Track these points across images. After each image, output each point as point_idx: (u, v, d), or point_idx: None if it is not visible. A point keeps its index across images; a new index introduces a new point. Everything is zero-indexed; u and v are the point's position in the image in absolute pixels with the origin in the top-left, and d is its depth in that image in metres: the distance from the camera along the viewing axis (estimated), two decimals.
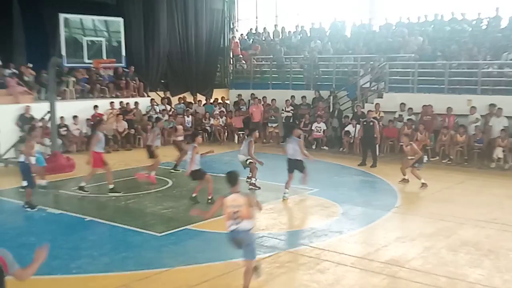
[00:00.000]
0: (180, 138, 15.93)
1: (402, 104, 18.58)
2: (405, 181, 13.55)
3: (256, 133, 14.09)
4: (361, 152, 16.90)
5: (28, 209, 10.84)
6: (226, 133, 21.87)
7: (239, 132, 21.69)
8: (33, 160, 10.96)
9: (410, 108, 18.28)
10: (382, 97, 19.60)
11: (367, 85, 20.70)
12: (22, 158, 10.99)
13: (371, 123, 16.13)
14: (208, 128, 21.79)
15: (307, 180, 12.05)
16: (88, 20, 14.62)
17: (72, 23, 14.20)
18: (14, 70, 19.40)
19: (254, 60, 25.52)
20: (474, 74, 18.14)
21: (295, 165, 11.86)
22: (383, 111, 18.73)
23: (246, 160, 12.95)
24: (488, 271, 7.84)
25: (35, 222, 10.43)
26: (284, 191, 11.91)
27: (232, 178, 6.76)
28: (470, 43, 19.94)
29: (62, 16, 13.85)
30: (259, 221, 10.37)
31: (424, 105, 18.01)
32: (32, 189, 11.08)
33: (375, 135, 16.08)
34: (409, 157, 13.44)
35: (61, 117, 17.32)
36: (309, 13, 26.56)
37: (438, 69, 19.00)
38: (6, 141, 15.95)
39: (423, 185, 13.09)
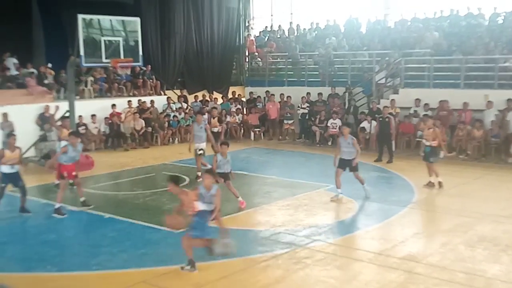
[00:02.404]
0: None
1: (417, 99, 18.50)
2: (430, 184, 12.92)
3: (200, 117, 14.08)
4: (377, 148, 16.88)
5: None
6: (242, 131, 21.95)
7: (255, 129, 21.77)
8: (3, 168, 10.45)
9: (426, 104, 18.19)
10: (397, 93, 19.52)
11: (383, 81, 20.62)
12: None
13: (387, 119, 16.10)
14: (224, 125, 21.88)
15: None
16: (106, 20, 14.63)
17: (90, 23, 14.25)
18: (33, 70, 19.75)
19: (270, 58, 25.56)
20: (491, 69, 17.98)
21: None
22: (399, 107, 18.66)
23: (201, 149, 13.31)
24: (507, 266, 7.81)
25: (56, 220, 10.53)
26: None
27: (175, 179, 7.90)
28: (486, 37, 19.77)
29: (80, 17, 13.95)
30: (276, 217, 10.45)
31: (440, 101, 17.91)
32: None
33: (390, 131, 16.07)
34: (426, 142, 13.01)
35: (80, 116, 17.48)
36: (324, 10, 26.50)
37: (455, 64, 18.88)
38: (27, 140, 16.17)
39: (429, 183, 12.83)
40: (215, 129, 16.03)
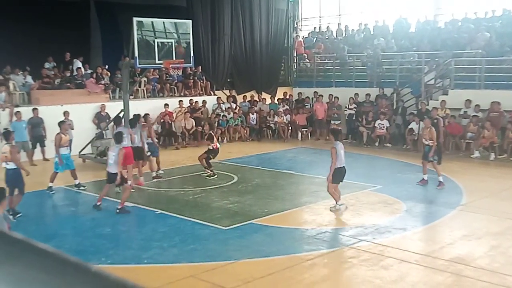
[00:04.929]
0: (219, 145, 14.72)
1: (468, 100, 18.18)
2: (423, 182, 12.87)
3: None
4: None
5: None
6: (289, 131, 22.10)
7: (303, 130, 21.87)
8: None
9: (477, 105, 17.85)
10: (447, 94, 19.22)
11: (432, 82, 20.35)
12: (11, 165, 10.39)
13: (435, 120, 15.85)
14: (272, 125, 22.11)
15: None
16: (159, 22, 14.97)
17: (145, 26, 14.65)
18: (91, 71, 20.59)
19: (318, 59, 25.60)
20: None
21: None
22: (448, 108, 18.36)
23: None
24: None
25: (110, 214, 10.92)
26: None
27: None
28: None
29: (135, 20, 14.36)
30: (323, 216, 10.54)
31: (492, 102, 17.54)
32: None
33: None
34: (424, 141, 12.94)
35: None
36: (373, 11, 26.25)
37: (507, 65, 18.44)
38: (84, 138, 16.85)
39: (440, 184, 12.65)
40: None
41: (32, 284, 0.93)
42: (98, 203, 11.02)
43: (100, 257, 8.31)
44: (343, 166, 10.71)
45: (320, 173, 14.36)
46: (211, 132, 15.14)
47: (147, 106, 19.64)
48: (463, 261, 7.98)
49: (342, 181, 10.85)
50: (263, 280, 7.43)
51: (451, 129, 17.79)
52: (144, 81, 20.96)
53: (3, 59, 18.26)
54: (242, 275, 7.53)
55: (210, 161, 14.16)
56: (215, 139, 14.54)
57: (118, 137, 11.22)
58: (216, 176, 14.04)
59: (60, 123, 12.98)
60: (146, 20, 14.79)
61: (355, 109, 21.01)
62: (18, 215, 10.27)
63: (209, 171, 14.07)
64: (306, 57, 26.52)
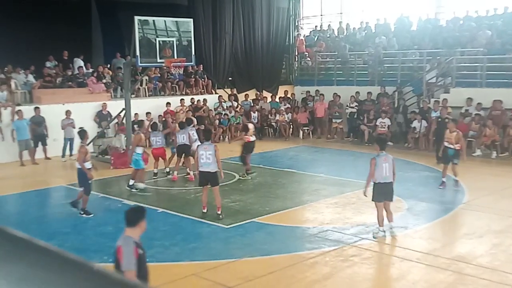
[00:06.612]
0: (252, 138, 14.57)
1: (469, 99, 18.15)
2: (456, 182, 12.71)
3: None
4: (429, 148, 16.66)
5: (84, 215, 10.60)
6: (291, 129, 22.10)
7: (304, 128, 21.87)
8: (88, 165, 10.67)
9: (479, 103, 17.82)
10: (448, 92, 19.20)
11: (433, 80, 20.33)
12: (77, 165, 10.72)
13: (446, 120, 15.75)
14: (273, 124, 22.12)
15: None
16: (161, 21, 15.02)
17: (146, 25, 14.68)
18: (92, 70, 20.61)
19: (319, 57, 25.58)
20: None
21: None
22: (450, 107, 18.34)
23: None
24: None
25: (112, 213, 10.93)
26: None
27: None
28: None
29: (137, 19, 14.39)
30: (324, 214, 10.56)
31: (494, 100, 17.52)
32: (88, 196, 10.72)
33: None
34: (449, 145, 12.57)
35: (136, 114, 17.99)
36: (374, 9, 26.25)
37: (508, 63, 18.42)
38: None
39: (456, 182, 12.54)
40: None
41: (34, 282, 0.93)
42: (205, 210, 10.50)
43: (102, 255, 8.28)
44: (387, 183, 9.17)
45: (322, 171, 14.42)
46: (247, 124, 15.27)
47: (148, 105, 19.70)
48: (465, 259, 7.99)
49: (391, 200, 9.32)
50: (265, 278, 7.44)
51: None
52: (146, 79, 20.97)
53: (5, 58, 18.28)
54: (244, 274, 7.54)
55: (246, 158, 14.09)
56: (250, 131, 14.28)
57: (207, 134, 10.99)
58: (255, 173, 14.12)
59: (140, 123, 14.11)
60: (148, 19, 14.79)
61: (356, 108, 21.01)
62: (90, 215, 10.58)
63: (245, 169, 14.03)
64: (307, 55, 26.49)
